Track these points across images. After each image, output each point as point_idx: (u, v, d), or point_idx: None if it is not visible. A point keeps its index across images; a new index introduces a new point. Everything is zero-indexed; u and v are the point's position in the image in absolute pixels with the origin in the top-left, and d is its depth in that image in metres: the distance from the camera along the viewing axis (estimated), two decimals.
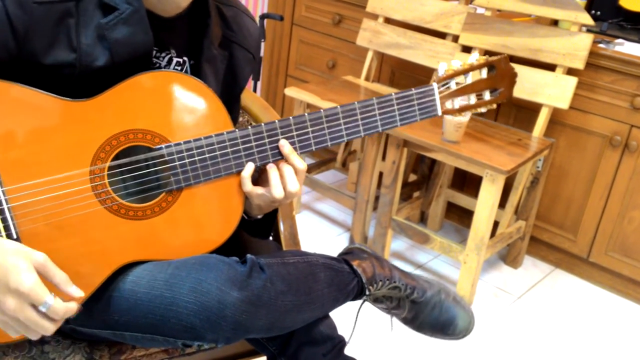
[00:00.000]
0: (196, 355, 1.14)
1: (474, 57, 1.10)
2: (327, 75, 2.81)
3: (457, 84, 1.08)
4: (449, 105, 1.08)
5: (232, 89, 1.12)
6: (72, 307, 0.82)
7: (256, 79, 2.77)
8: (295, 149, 1.01)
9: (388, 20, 2.48)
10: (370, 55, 2.50)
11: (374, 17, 2.49)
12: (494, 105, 1.12)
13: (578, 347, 1.98)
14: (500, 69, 1.10)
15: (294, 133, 1.01)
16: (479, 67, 1.09)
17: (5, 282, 0.78)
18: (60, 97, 0.91)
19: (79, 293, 0.83)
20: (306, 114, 1.01)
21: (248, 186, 1.00)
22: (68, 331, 1.03)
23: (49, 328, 0.81)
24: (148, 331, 0.95)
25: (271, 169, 1.00)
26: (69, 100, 0.91)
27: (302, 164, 1.01)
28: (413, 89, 1.06)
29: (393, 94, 1.05)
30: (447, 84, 1.08)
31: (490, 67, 1.10)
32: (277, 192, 0.99)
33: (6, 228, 0.89)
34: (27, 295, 0.78)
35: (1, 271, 0.78)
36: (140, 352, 1.08)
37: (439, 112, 1.08)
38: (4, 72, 0.89)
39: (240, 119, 1.33)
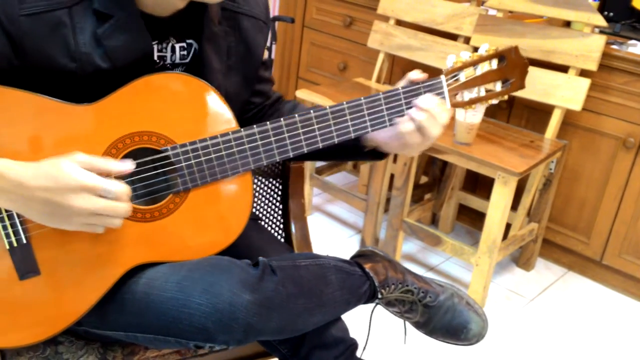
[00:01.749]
0: (208, 357, 1.14)
1: (484, 48, 1.07)
2: (338, 77, 2.81)
3: (466, 76, 1.05)
4: (458, 98, 1.05)
5: (249, 61, 1.10)
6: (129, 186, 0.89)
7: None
8: (302, 146, 1.00)
9: (399, 22, 2.48)
10: (381, 57, 2.50)
11: (385, 19, 2.49)
12: (506, 97, 1.09)
13: (591, 350, 1.97)
14: (511, 59, 1.07)
15: (300, 131, 1.00)
16: (489, 58, 1.06)
17: (68, 187, 0.83)
18: (65, 102, 0.91)
19: (131, 166, 0.90)
20: (312, 111, 1.00)
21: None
22: (81, 333, 1.04)
23: (125, 208, 0.88)
24: (160, 333, 0.96)
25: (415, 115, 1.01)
26: (74, 105, 0.92)
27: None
28: (421, 83, 1.03)
29: (400, 87, 1.03)
30: (455, 76, 1.04)
31: (501, 57, 1.07)
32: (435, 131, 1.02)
33: (15, 233, 0.90)
34: (91, 187, 0.84)
35: (57, 181, 0.83)
36: (153, 353, 1.09)
37: (448, 105, 1.04)
38: (7, 79, 0.89)
39: None
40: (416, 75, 1.04)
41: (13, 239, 0.90)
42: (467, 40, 2.29)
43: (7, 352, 1.02)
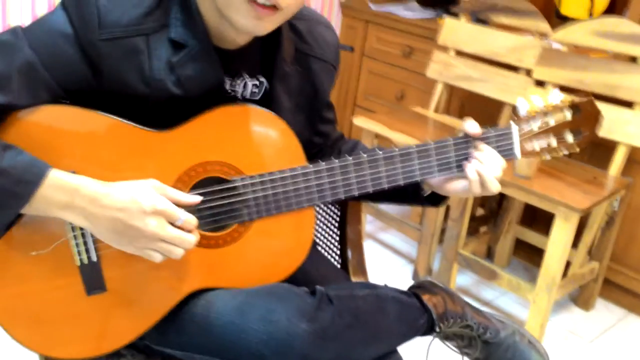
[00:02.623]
0: None
1: (559, 98, 1.05)
2: (395, 106, 2.82)
3: (539, 127, 1.03)
4: (529, 147, 1.04)
5: (314, 102, 1.11)
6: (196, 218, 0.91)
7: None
8: (367, 187, 1.01)
9: (459, 53, 2.47)
10: (439, 87, 2.49)
11: (445, 49, 2.49)
12: (577, 149, 1.06)
13: None
14: (586, 111, 1.05)
15: (368, 172, 1.01)
16: (564, 108, 1.04)
17: (141, 209, 0.86)
18: (141, 126, 0.94)
19: (198, 198, 0.93)
20: (380, 151, 1.01)
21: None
22: (142, 347, 1.06)
23: (191, 239, 0.90)
24: (217, 355, 0.97)
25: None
26: (149, 130, 0.94)
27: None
28: (492, 129, 1.03)
29: (467, 136, 1.02)
30: (527, 124, 1.03)
31: (575, 108, 1.05)
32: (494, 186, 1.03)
33: (87, 251, 0.93)
34: (163, 212, 0.87)
35: (132, 202, 0.86)
36: None
37: (519, 155, 1.03)
38: (84, 100, 0.92)
39: None
40: (473, 128, 1.03)
41: (84, 256, 0.93)
42: (528, 72, 2.26)
43: None
